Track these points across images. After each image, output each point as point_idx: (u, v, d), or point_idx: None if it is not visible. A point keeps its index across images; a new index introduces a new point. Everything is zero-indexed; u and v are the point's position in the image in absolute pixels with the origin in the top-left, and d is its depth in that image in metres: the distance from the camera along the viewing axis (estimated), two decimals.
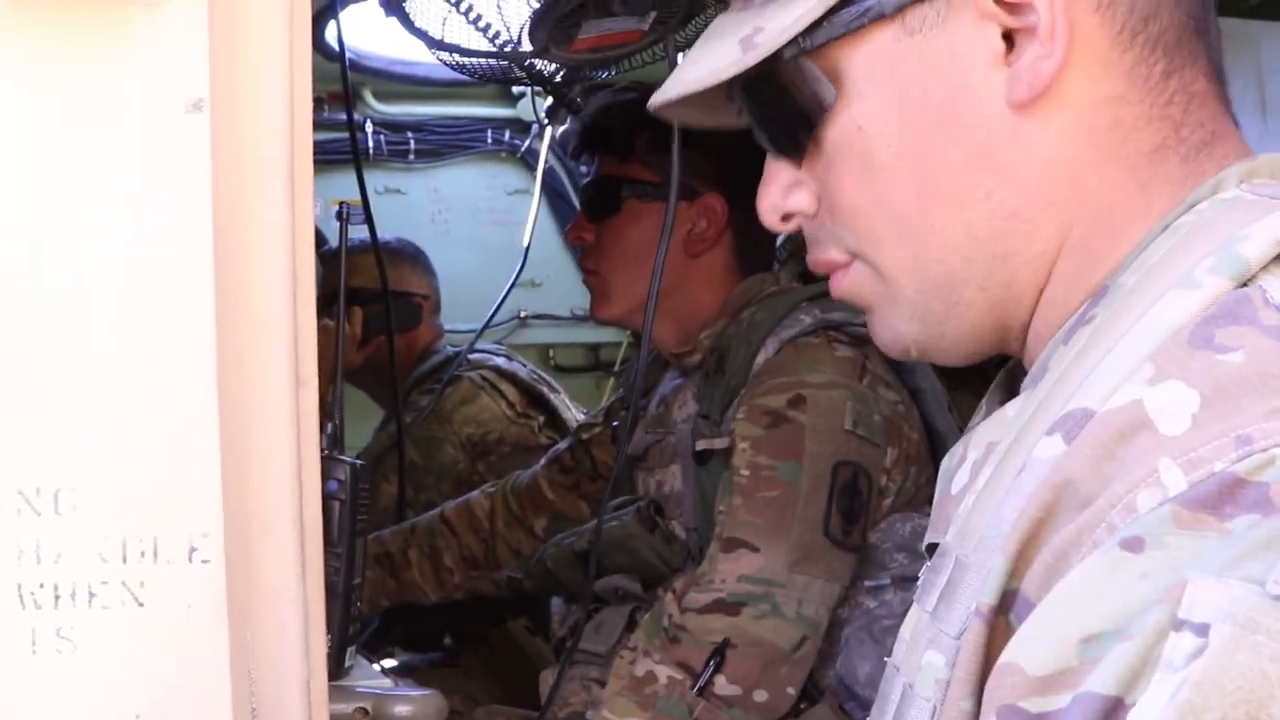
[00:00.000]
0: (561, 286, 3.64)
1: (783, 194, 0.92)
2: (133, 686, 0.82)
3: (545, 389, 3.00)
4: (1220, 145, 0.83)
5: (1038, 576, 0.70)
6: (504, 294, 3.26)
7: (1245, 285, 0.72)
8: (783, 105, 0.88)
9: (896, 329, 0.90)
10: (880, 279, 0.89)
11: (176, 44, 0.81)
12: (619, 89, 2.07)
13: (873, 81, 0.85)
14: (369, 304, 2.78)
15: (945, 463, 0.87)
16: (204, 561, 0.82)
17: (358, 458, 2.88)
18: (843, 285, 0.92)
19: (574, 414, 2.98)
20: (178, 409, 0.82)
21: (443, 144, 3.67)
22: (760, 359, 1.81)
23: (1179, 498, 0.64)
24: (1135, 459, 0.67)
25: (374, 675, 1.27)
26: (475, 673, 2.69)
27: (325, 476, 1.23)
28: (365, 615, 2.59)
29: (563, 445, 2.33)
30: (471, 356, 2.95)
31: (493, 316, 3.17)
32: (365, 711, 1.15)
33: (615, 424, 2.11)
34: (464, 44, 1.80)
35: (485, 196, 3.74)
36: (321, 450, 1.27)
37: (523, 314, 3.72)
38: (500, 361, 3.00)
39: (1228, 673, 0.57)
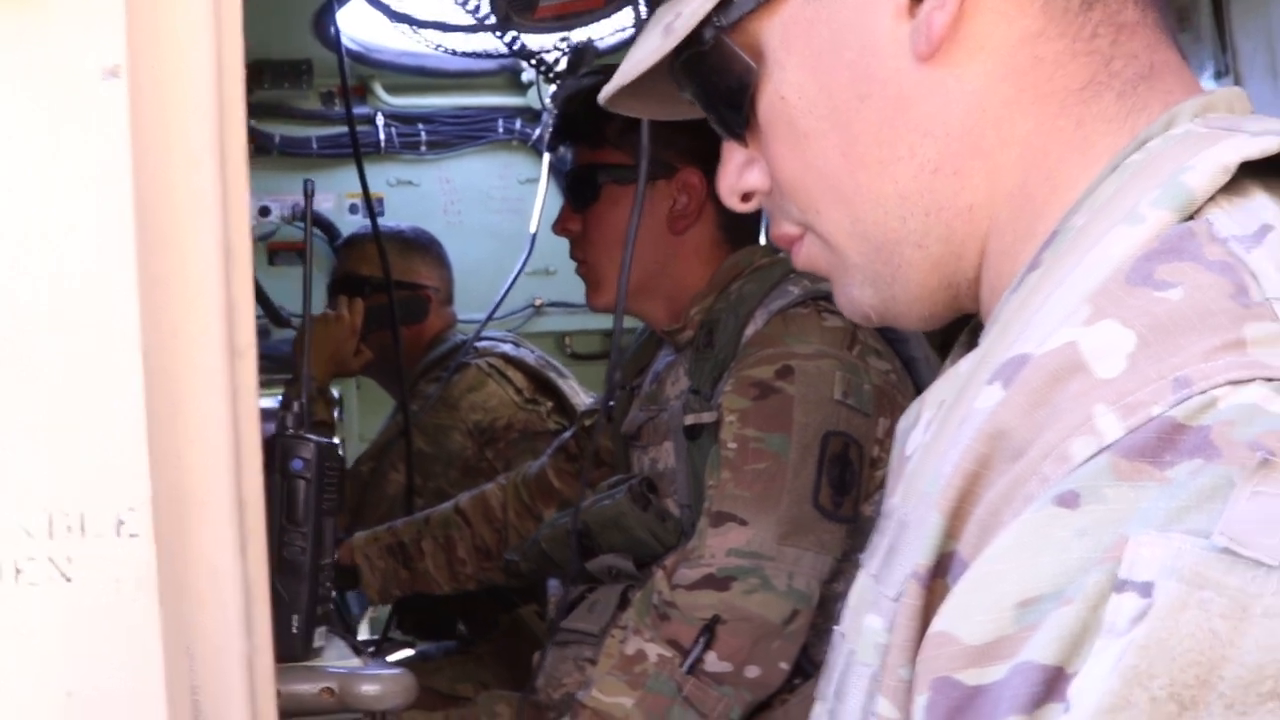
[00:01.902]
0: (575, 274, 3.62)
1: (737, 174, 0.93)
2: (63, 663, 0.81)
3: (553, 374, 2.99)
4: (1162, 78, 0.80)
5: (973, 536, 0.66)
6: (510, 282, 3.26)
7: (1191, 218, 0.69)
8: (715, 86, 0.89)
9: (851, 295, 0.90)
10: (828, 247, 0.89)
11: (90, 7, 0.80)
12: (584, 74, 2.05)
13: (788, 50, 0.84)
14: (373, 295, 2.77)
15: (901, 424, 0.85)
16: (132, 535, 0.81)
17: (369, 447, 2.92)
18: (800, 257, 0.92)
19: (583, 399, 2.96)
20: (101, 381, 0.81)
21: (454, 135, 3.68)
22: (749, 331, 1.79)
23: (1115, 446, 0.61)
24: (1068, 404, 0.64)
25: (346, 655, 1.26)
26: (487, 659, 2.69)
27: (290, 455, 1.23)
28: (375, 602, 2.59)
29: (567, 434, 2.33)
30: (479, 344, 2.95)
31: (499, 304, 3.17)
32: (331, 691, 1.14)
33: (610, 404, 2.10)
34: (447, 21, 1.79)
35: (498, 186, 3.74)
36: (288, 429, 1.27)
37: (537, 302, 3.71)
38: (508, 348, 2.99)
39: (1175, 634, 0.54)
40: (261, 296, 2.04)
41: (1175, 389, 0.61)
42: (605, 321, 3.72)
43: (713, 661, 1.63)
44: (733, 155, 0.93)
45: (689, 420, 1.78)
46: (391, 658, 2.76)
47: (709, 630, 1.63)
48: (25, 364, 0.80)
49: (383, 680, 1.16)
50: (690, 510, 1.81)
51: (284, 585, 1.18)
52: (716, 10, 0.85)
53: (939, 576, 0.68)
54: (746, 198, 0.94)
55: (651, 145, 1.56)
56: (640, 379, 2.08)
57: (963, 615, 0.62)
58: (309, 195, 1.30)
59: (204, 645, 0.87)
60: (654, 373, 2.03)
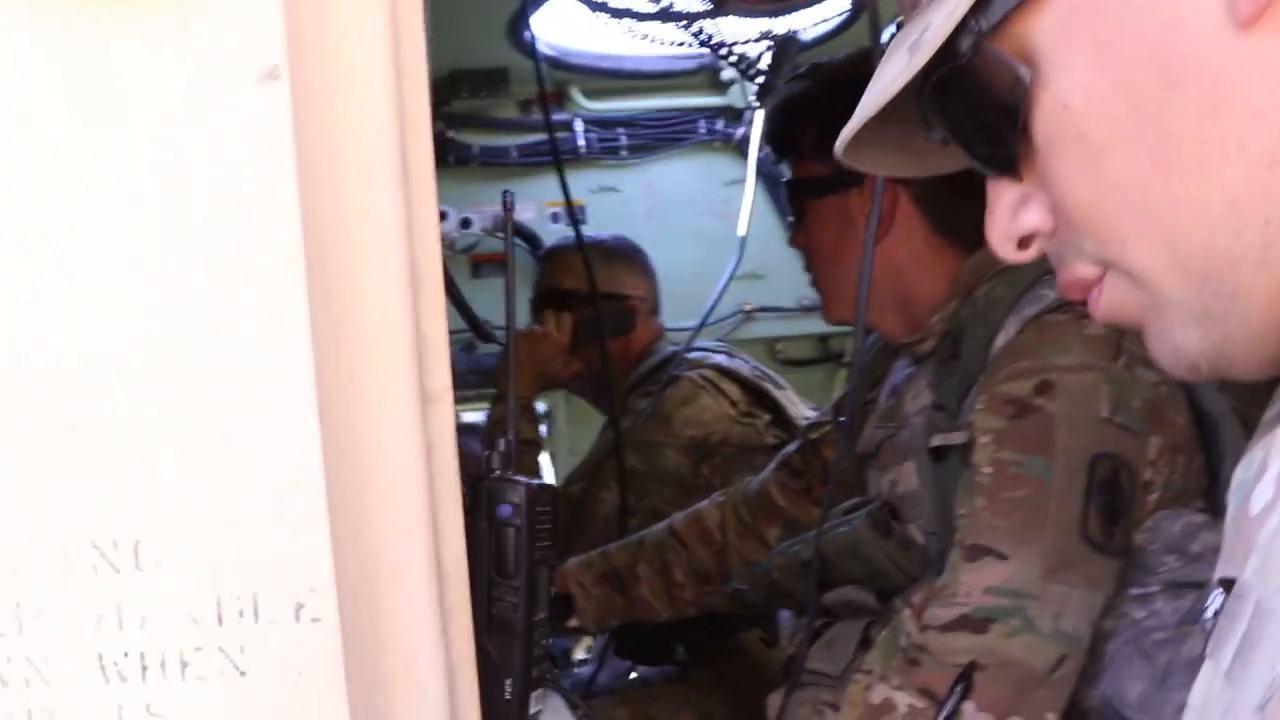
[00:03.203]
0: (786, 277, 3.46)
1: (1010, 217, 0.77)
2: None
3: (770, 385, 2.83)
4: None
5: None
6: (720, 289, 3.12)
7: None
8: (978, 109, 0.74)
9: (1174, 343, 0.72)
10: (1139, 286, 0.72)
11: (245, 5, 0.68)
12: (790, 79, 1.90)
13: (1068, 47, 0.69)
14: (579, 308, 2.69)
15: (1240, 473, 0.68)
16: (314, 620, 0.69)
17: (579, 466, 2.81)
18: (1101, 305, 0.75)
19: (801, 410, 2.80)
20: (272, 440, 0.69)
21: (654, 138, 3.57)
22: (1000, 340, 1.60)
23: None
24: None
25: (564, 713, 1.13)
26: (707, 686, 2.57)
27: (498, 500, 1.10)
28: (592, 631, 2.48)
29: (791, 448, 2.18)
30: (691, 355, 2.81)
31: (710, 312, 3.04)
32: None
33: (843, 420, 1.93)
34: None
35: (701, 188, 3.63)
36: (493, 470, 1.14)
37: (746, 307, 3.57)
38: (721, 359, 2.84)
39: None
40: (465, 310, 1.95)
41: None
42: (818, 326, 3.56)
43: (971, 713, 1.45)
44: (1001, 195, 0.77)
45: (936, 441, 1.60)
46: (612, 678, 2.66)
47: (965, 678, 1.45)
48: (179, 422, 0.68)
49: None
50: (936, 538, 1.64)
51: (495, 646, 1.06)
52: (973, 13, 0.70)
53: None
54: (1024, 244, 0.77)
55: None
56: (875, 392, 1.90)
57: None
58: (508, 209, 1.18)
59: None
60: (891, 386, 1.85)
